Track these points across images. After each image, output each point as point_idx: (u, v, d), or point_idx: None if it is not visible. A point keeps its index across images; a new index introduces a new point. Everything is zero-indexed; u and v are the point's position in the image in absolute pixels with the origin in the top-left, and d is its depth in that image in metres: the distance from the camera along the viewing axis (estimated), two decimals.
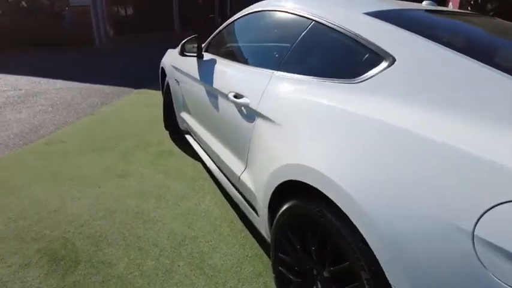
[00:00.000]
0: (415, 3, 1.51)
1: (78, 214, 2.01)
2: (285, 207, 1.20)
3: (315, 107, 1.15)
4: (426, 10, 1.43)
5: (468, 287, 0.65)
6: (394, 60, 1.01)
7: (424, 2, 1.64)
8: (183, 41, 2.26)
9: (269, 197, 1.28)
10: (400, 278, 0.76)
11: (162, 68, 3.29)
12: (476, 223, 0.65)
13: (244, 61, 1.97)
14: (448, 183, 0.72)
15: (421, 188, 0.75)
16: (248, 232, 1.86)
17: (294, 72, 1.38)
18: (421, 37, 1.03)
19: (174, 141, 3.21)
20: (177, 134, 3.07)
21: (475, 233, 0.64)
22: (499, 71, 0.84)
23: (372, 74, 1.04)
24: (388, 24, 1.14)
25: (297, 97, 1.26)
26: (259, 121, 1.42)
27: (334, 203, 0.93)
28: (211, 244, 1.76)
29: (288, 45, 1.51)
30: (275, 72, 1.47)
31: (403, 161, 0.81)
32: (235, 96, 1.61)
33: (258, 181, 1.40)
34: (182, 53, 2.25)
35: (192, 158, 2.82)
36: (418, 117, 0.86)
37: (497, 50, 1.25)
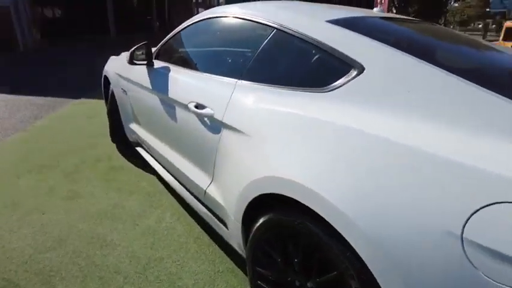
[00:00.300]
0: (368, 10, 1.57)
1: (20, 248, 1.76)
2: (261, 221, 1.17)
3: (287, 117, 1.13)
4: (381, 17, 1.50)
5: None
6: (363, 68, 1.03)
7: (374, 9, 1.72)
8: (132, 49, 2.11)
9: (243, 210, 1.24)
10: (395, 285, 0.77)
11: (105, 76, 3.05)
12: (464, 226, 0.68)
13: (203, 69, 1.88)
14: (432, 189, 0.74)
15: (406, 195, 0.77)
16: (216, 246, 1.79)
17: (259, 82, 1.34)
18: (385, 44, 1.07)
19: (123, 155, 2.99)
20: (126, 146, 2.87)
21: (463, 235, 0.67)
22: (464, 79, 0.89)
23: (342, 83, 1.05)
24: (351, 32, 1.16)
25: (267, 107, 1.23)
26: (226, 132, 1.36)
27: (317, 214, 0.92)
28: (178, 263, 1.66)
29: (250, 53, 1.47)
30: (238, 81, 1.42)
31: (383, 168, 0.83)
32: (197, 107, 1.53)
33: (229, 194, 1.35)
34: (131, 61, 2.09)
35: (145, 171, 2.65)
36: (393, 124, 0.88)
37: (450, 54, 1.35)
